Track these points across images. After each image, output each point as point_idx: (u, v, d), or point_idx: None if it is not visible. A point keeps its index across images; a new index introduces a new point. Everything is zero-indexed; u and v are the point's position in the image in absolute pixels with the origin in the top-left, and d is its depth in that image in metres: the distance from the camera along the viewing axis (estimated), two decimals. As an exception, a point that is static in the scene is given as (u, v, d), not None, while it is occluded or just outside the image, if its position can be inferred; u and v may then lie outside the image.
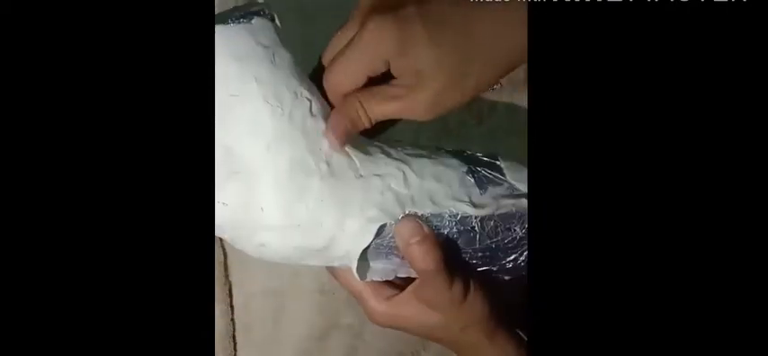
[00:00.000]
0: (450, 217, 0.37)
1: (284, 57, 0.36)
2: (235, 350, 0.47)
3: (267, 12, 0.37)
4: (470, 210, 0.37)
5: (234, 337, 0.47)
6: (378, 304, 0.38)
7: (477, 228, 0.37)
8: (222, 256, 0.46)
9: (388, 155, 0.37)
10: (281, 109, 0.35)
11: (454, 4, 0.35)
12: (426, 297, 0.37)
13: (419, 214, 0.36)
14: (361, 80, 0.36)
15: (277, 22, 0.37)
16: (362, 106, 0.36)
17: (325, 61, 0.38)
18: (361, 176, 0.36)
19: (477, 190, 0.37)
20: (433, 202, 0.36)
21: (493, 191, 0.38)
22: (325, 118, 0.36)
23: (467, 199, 0.37)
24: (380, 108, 0.36)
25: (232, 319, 0.47)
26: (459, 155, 0.39)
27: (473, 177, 0.38)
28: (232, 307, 0.47)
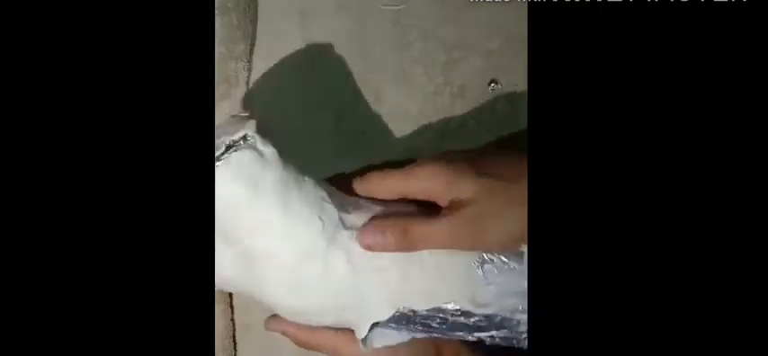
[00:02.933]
0: (452, 313, 0.37)
1: (268, 179, 0.35)
2: (235, 350, 0.47)
3: (250, 136, 0.35)
4: (470, 307, 0.37)
5: (234, 337, 0.47)
6: None
7: (477, 322, 0.37)
8: (222, 256, 0.46)
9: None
10: (274, 227, 0.35)
11: (507, 165, 0.36)
12: None
13: (414, 310, 0.37)
14: (396, 195, 0.37)
15: (259, 147, 0.35)
16: (406, 228, 0.36)
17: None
18: (359, 273, 0.36)
19: (483, 286, 0.37)
20: (436, 298, 0.37)
21: (501, 285, 0.37)
22: (320, 215, 0.36)
23: (470, 296, 0.37)
24: (422, 228, 0.36)
25: (232, 319, 0.47)
26: None
27: (482, 269, 0.37)
28: (232, 307, 0.47)
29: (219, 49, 0.44)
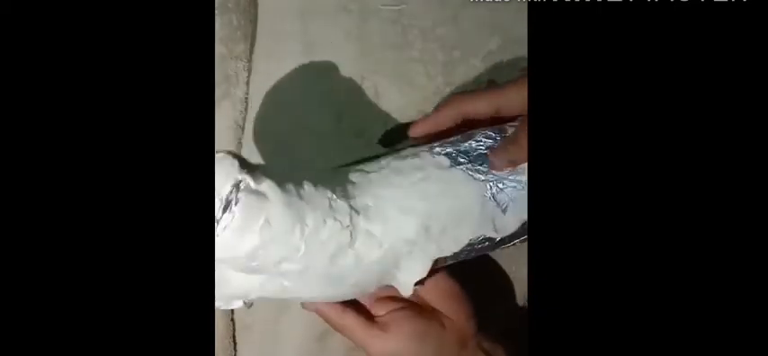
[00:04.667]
0: (476, 244, 0.39)
1: (275, 210, 0.34)
2: (235, 350, 0.47)
3: (241, 181, 0.33)
4: (493, 234, 0.38)
5: (234, 337, 0.47)
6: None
7: (499, 242, 0.39)
8: (222, 256, 0.46)
9: (404, 210, 0.37)
10: (298, 250, 0.35)
11: None
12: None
13: (443, 256, 0.38)
14: (492, 111, 0.40)
15: (254, 187, 0.33)
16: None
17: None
18: (387, 249, 0.37)
19: (501, 212, 0.38)
20: (458, 242, 0.38)
21: (515, 207, 0.38)
22: (335, 217, 0.36)
23: (490, 226, 0.38)
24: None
25: (232, 319, 0.47)
26: (481, 164, 0.39)
27: (495, 200, 0.38)
28: (232, 307, 0.47)
29: (219, 49, 0.44)
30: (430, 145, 0.40)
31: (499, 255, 0.48)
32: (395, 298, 0.41)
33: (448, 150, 0.39)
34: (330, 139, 0.47)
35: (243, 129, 0.46)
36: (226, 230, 0.32)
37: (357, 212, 0.36)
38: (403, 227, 0.37)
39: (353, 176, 0.38)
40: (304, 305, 0.41)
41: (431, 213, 0.37)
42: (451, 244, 0.38)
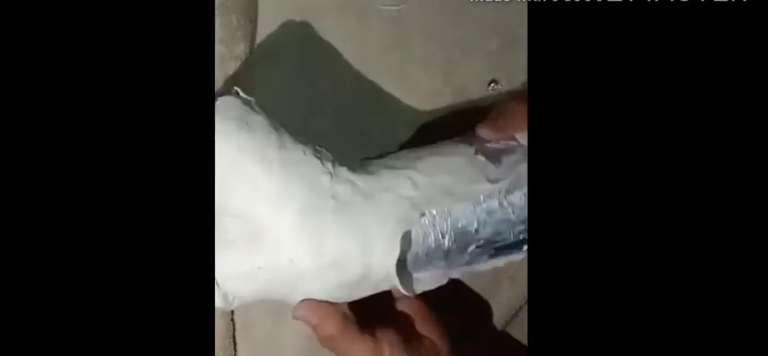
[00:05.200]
0: (474, 203, 0.37)
1: (257, 119, 0.36)
2: (235, 350, 0.47)
3: (232, 90, 0.37)
4: (489, 187, 0.37)
5: (234, 337, 0.47)
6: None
7: (505, 205, 0.37)
8: (222, 256, 0.46)
9: (392, 167, 0.38)
10: (274, 165, 0.35)
11: None
12: None
13: (437, 212, 0.36)
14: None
15: (242, 95, 0.37)
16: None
17: None
18: (370, 196, 0.36)
19: (492, 165, 0.37)
20: (450, 194, 0.37)
21: (508, 160, 0.38)
22: (316, 154, 0.37)
23: (483, 178, 0.37)
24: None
25: (232, 319, 0.47)
26: (465, 138, 0.40)
27: (483, 155, 0.38)
28: (232, 306, 0.47)
29: (219, 49, 0.44)
30: None
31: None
32: (379, 315, 0.42)
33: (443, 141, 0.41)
34: (330, 139, 0.47)
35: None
36: None
37: (341, 164, 0.37)
38: (387, 179, 0.37)
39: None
40: (295, 312, 0.39)
41: (418, 169, 0.37)
42: (441, 195, 0.37)
